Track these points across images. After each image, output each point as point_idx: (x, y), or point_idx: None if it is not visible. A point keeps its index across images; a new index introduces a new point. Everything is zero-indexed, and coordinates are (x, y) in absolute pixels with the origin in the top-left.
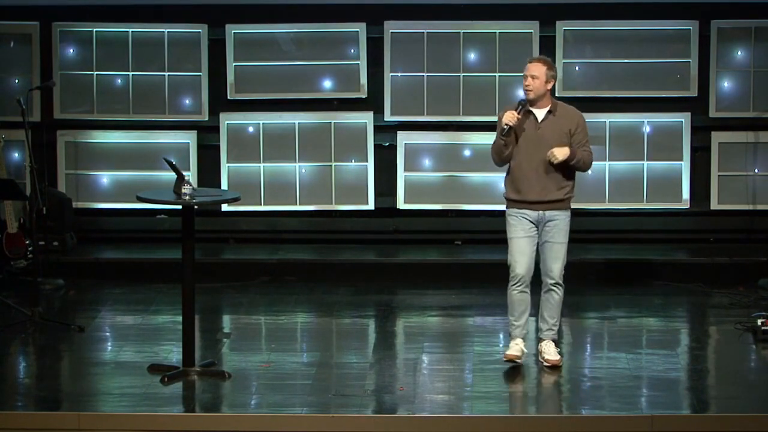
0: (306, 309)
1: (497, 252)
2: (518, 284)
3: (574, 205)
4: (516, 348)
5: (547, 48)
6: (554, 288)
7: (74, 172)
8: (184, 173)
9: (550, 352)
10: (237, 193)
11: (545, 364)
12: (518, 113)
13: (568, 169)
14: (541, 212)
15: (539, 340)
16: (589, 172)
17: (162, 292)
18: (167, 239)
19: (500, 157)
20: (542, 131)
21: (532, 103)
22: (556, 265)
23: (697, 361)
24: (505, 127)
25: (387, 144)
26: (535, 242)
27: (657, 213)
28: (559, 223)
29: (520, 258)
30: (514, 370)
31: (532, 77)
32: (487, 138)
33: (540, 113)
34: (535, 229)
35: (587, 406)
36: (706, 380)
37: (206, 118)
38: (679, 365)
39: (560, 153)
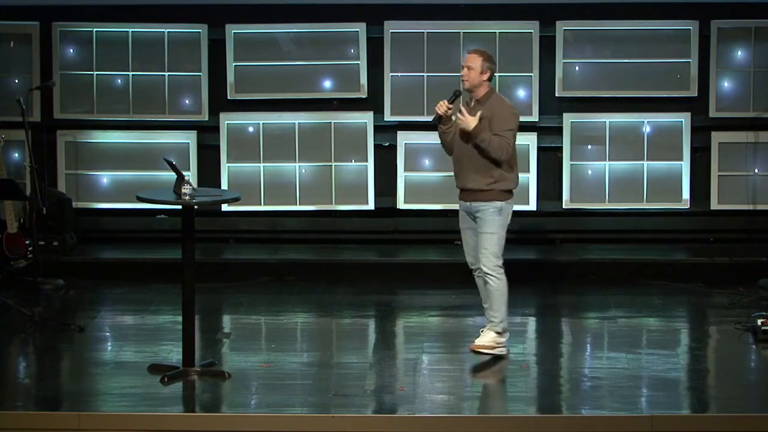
0: (306, 309)
1: None
2: (473, 271)
3: (574, 205)
4: (487, 338)
5: (547, 48)
6: (486, 277)
7: (74, 172)
8: (184, 173)
9: (482, 337)
10: (237, 193)
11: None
12: (449, 103)
13: (495, 160)
14: (468, 203)
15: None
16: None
17: (162, 292)
18: (167, 239)
19: (444, 146)
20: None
21: (469, 93)
22: (482, 255)
23: (697, 361)
24: (435, 116)
25: (387, 144)
26: (474, 231)
27: (657, 213)
28: (482, 214)
29: (465, 248)
30: (513, 371)
31: (468, 68)
32: None
33: (472, 102)
34: (471, 219)
35: (587, 406)
36: (706, 380)
37: (206, 118)
38: (679, 365)
39: (470, 119)
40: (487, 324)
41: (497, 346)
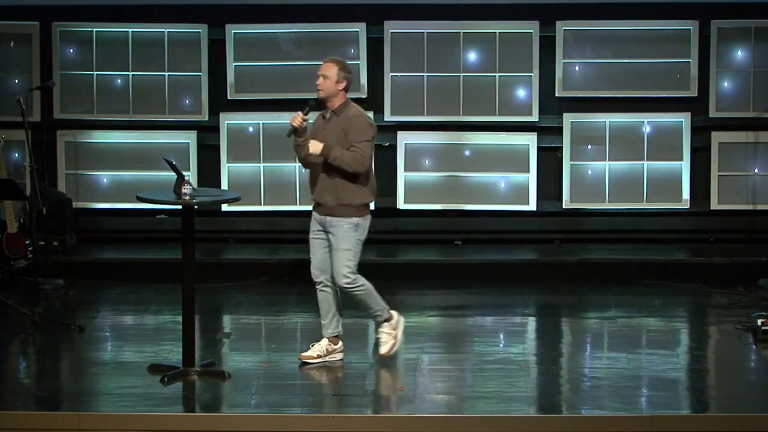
0: (306, 309)
1: (497, 252)
2: (316, 284)
3: (574, 205)
4: (316, 347)
5: (547, 48)
6: (349, 292)
7: (74, 172)
8: (184, 173)
9: (381, 341)
10: (237, 193)
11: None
12: (304, 114)
13: (351, 174)
14: (323, 216)
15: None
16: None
17: (162, 292)
18: (167, 239)
19: (299, 159)
20: (326, 131)
21: (324, 103)
22: (335, 272)
23: (697, 361)
24: (289, 128)
25: (387, 144)
26: (325, 244)
27: (657, 213)
28: (337, 229)
29: (312, 258)
30: (513, 371)
31: (324, 77)
32: (488, 138)
33: (328, 114)
34: (323, 232)
35: (587, 406)
36: (706, 380)
37: (206, 118)
38: (679, 365)
39: (313, 146)
40: (376, 324)
41: (394, 331)
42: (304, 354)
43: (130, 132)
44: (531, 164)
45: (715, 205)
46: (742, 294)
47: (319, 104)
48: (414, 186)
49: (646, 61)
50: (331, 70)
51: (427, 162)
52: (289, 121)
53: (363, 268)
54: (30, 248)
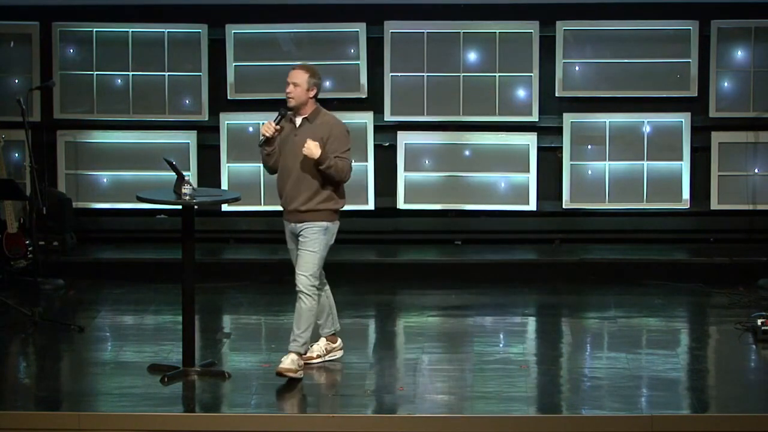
0: None
1: (497, 252)
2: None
3: (574, 205)
4: (315, 348)
5: (547, 48)
6: (300, 295)
7: (74, 172)
8: (184, 173)
9: (284, 361)
10: (237, 193)
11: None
12: (276, 123)
13: (324, 178)
14: (293, 224)
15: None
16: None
17: (162, 292)
18: (167, 239)
19: (266, 166)
20: (298, 139)
21: (295, 111)
22: (300, 273)
23: (697, 361)
24: (262, 138)
25: (387, 144)
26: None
27: (657, 213)
28: (305, 232)
29: (295, 265)
30: (513, 371)
31: (294, 85)
32: (488, 138)
33: (298, 121)
34: (296, 240)
35: (587, 406)
36: (706, 380)
37: (206, 118)
38: (679, 365)
39: (314, 146)
40: (288, 347)
41: (299, 369)
42: (306, 355)
43: (130, 132)
44: (531, 164)
45: (715, 205)
46: (742, 294)
47: (291, 112)
48: (414, 186)
49: (646, 61)
50: (301, 78)
51: (427, 162)
52: (261, 131)
53: (363, 268)
54: (30, 248)
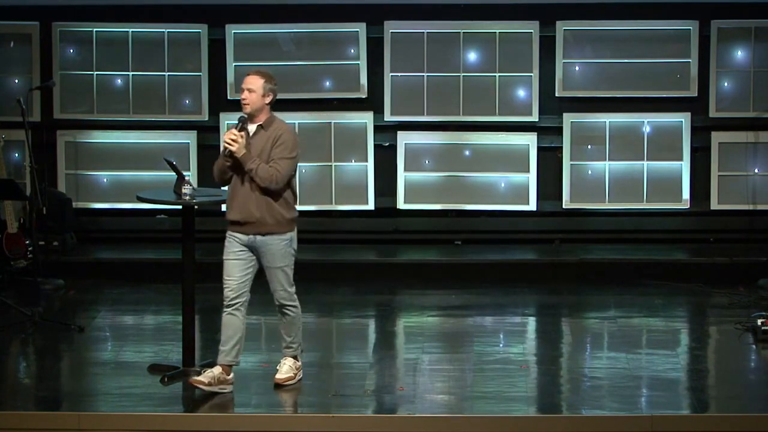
0: (306, 309)
1: (497, 252)
2: (227, 306)
3: (574, 205)
4: (208, 374)
5: (547, 48)
6: (284, 309)
7: (74, 172)
8: (185, 173)
9: (281, 369)
10: None
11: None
12: (239, 131)
13: (278, 190)
14: (251, 236)
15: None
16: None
17: (162, 292)
18: (167, 239)
19: (221, 177)
20: (252, 147)
21: (250, 118)
22: (277, 289)
23: (697, 361)
24: (226, 148)
25: (387, 144)
26: (248, 265)
27: (657, 213)
28: (272, 248)
29: (227, 279)
30: (513, 371)
31: (249, 90)
32: (488, 138)
33: (252, 128)
34: (248, 252)
35: (587, 406)
36: (706, 380)
37: (206, 118)
38: (679, 365)
39: (239, 143)
40: (282, 351)
41: (298, 371)
42: (195, 378)
43: (130, 132)
44: (531, 164)
45: (715, 205)
46: (742, 294)
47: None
48: (414, 186)
49: (646, 61)
50: (256, 83)
51: (427, 162)
52: (223, 142)
53: (363, 268)
54: (30, 248)
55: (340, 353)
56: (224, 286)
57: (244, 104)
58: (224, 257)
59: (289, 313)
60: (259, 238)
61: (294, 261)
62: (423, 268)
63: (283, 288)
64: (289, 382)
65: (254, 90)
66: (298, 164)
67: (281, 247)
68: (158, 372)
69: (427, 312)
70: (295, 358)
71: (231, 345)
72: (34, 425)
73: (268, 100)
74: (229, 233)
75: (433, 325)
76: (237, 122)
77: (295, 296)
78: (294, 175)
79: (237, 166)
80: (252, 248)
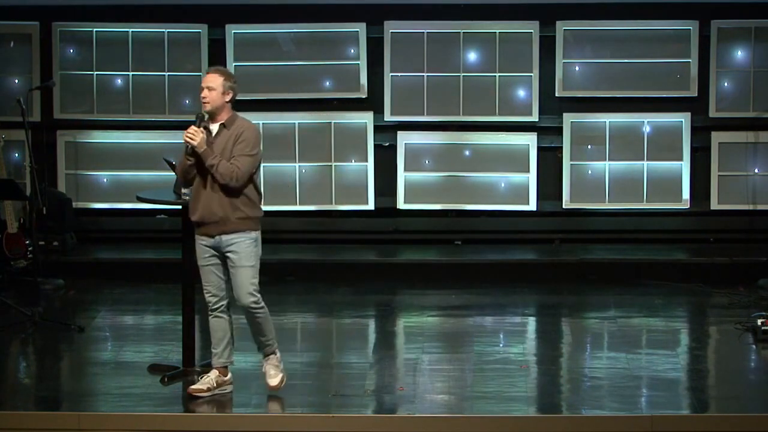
0: (306, 309)
1: (497, 252)
2: (211, 310)
3: (574, 205)
4: (206, 380)
5: (547, 48)
6: (252, 313)
7: (74, 172)
8: None
9: (269, 373)
10: None
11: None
12: (199, 128)
13: (240, 188)
14: (216, 238)
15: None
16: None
17: (162, 292)
18: (167, 239)
19: (185, 177)
20: (214, 146)
21: (211, 116)
22: (240, 291)
23: (697, 361)
24: (188, 145)
25: (387, 144)
26: (221, 269)
27: (657, 213)
28: (240, 246)
29: (206, 285)
30: (513, 371)
31: (209, 89)
32: (488, 138)
33: (214, 128)
34: (216, 254)
35: (587, 406)
36: (706, 380)
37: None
38: (679, 365)
39: (200, 139)
40: (260, 353)
41: (280, 364)
42: (193, 387)
43: (130, 132)
44: (531, 164)
45: (715, 205)
46: (742, 294)
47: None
48: (414, 186)
49: (646, 61)
50: (215, 81)
51: (427, 162)
52: (183, 140)
53: (363, 268)
54: (30, 248)
55: (340, 353)
56: (204, 291)
57: (204, 102)
58: (198, 263)
59: (259, 316)
60: (224, 237)
61: (259, 265)
62: (423, 268)
63: (249, 291)
64: (283, 383)
65: (214, 88)
66: (299, 164)
67: (247, 245)
68: (158, 372)
69: (427, 312)
70: (274, 353)
71: (222, 347)
72: (34, 425)
73: (228, 97)
74: (196, 237)
75: (433, 325)
76: (195, 119)
77: (260, 300)
78: (257, 173)
79: (199, 165)
80: (218, 250)
